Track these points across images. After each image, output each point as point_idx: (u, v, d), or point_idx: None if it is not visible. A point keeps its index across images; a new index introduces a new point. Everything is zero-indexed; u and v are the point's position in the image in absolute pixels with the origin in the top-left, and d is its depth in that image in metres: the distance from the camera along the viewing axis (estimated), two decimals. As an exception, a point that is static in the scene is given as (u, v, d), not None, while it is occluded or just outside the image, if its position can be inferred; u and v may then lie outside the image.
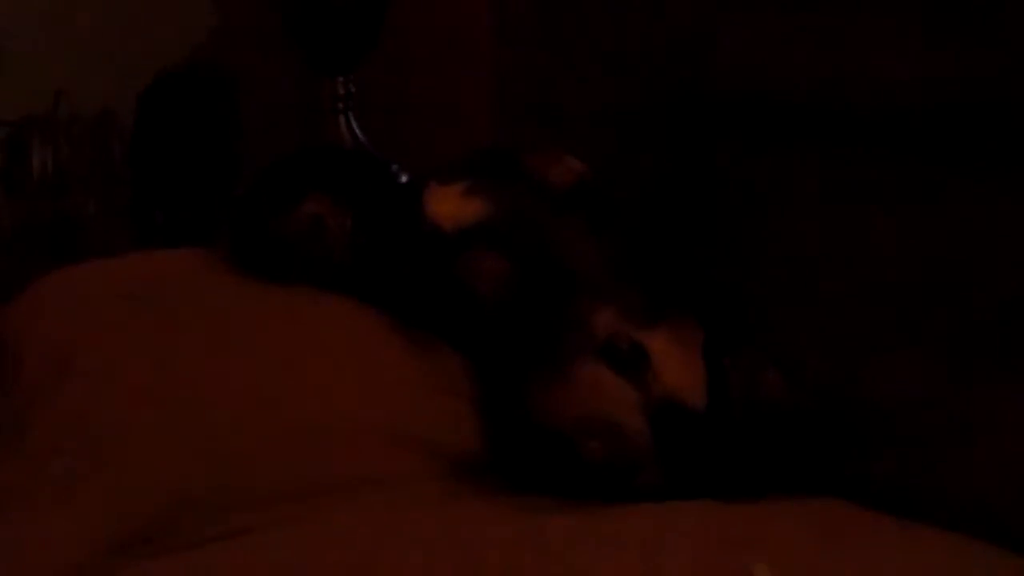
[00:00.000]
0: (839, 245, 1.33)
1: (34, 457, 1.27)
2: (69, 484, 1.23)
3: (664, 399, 1.26)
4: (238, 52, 2.32)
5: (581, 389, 1.26)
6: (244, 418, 1.29)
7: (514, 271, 1.37)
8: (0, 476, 1.26)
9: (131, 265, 1.56)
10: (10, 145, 2.17)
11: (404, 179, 1.87)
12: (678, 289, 1.39)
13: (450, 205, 1.43)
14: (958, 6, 1.25)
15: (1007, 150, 1.21)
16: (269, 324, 1.40)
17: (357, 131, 2.06)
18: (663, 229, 1.50)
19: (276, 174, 1.55)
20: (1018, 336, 1.19)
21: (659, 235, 1.50)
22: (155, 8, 2.35)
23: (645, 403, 1.26)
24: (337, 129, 2.05)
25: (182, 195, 2.17)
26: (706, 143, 1.48)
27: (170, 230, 2.15)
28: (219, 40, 2.37)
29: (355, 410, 1.33)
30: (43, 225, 2.14)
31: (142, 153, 2.20)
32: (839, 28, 1.35)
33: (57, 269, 1.51)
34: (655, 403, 1.26)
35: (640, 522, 1.16)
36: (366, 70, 2.07)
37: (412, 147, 2.01)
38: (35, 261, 1.93)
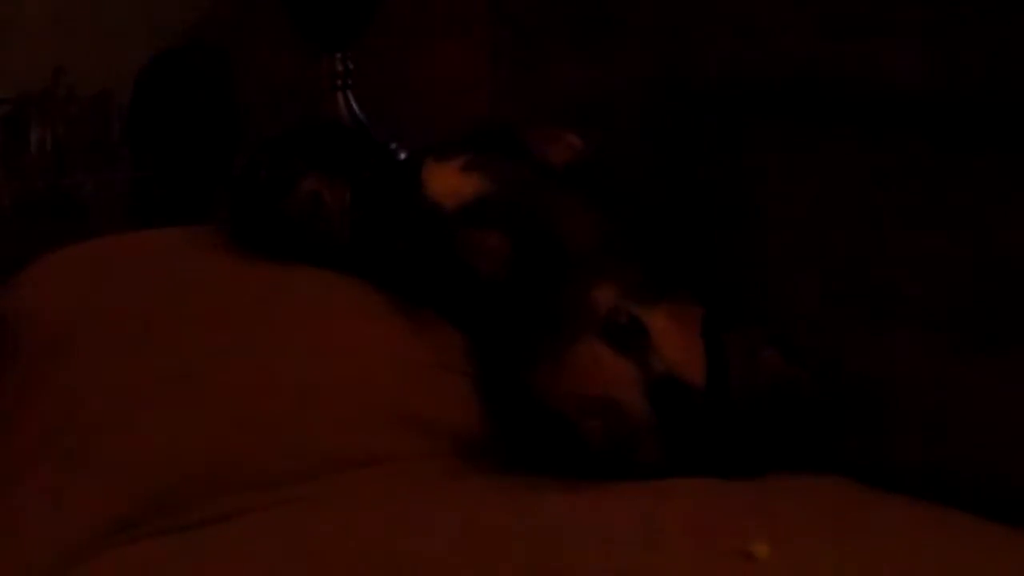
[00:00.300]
0: (839, 223, 1.33)
1: (30, 437, 1.27)
2: (65, 465, 1.23)
3: (664, 376, 1.26)
4: (236, 29, 2.32)
5: (581, 368, 1.25)
6: (243, 398, 1.29)
7: (513, 248, 1.36)
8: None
9: (130, 245, 1.55)
10: (8, 122, 2.17)
11: (402, 156, 1.86)
12: (678, 266, 1.39)
13: (449, 182, 1.43)
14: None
15: (1006, 135, 1.21)
16: (268, 303, 1.40)
17: (355, 108, 2.05)
18: (662, 207, 1.50)
19: (274, 152, 1.54)
20: (1018, 312, 1.19)
21: (658, 212, 1.49)
22: (153, -15, 2.35)
23: (645, 380, 1.25)
24: (335, 106, 2.04)
25: (180, 173, 2.17)
26: (705, 121, 1.47)
27: (168, 208, 2.15)
28: (217, 17, 2.36)
29: (356, 389, 1.33)
30: (41, 203, 2.14)
31: (140, 131, 2.20)
32: (839, 13, 1.34)
33: (55, 248, 1.51)
34: (655, 380, 1.26)
35: (640, 500, 1.16)
36: (364, 47, 2.06)
37: (410, 124, 2.00)
38: (33, 239, 1.93)
